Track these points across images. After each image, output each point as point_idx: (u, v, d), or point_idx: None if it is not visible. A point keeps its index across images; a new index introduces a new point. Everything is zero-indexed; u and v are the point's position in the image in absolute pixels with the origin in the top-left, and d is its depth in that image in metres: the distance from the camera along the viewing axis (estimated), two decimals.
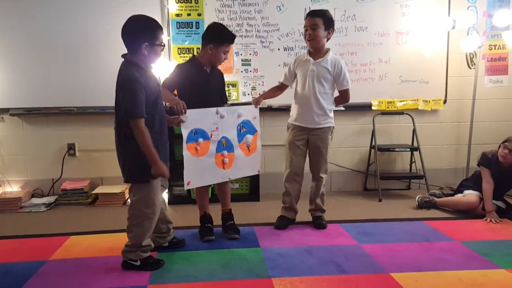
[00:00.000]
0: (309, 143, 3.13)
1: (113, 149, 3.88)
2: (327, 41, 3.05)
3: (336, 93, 3.16)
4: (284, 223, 3.18)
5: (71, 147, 4.03)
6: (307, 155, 3.18)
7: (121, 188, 3.88)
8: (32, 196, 3.96)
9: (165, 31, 3.89)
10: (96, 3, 3.85)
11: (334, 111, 3.17)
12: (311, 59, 3.04)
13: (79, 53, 3.88)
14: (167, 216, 2.72)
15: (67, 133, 4.02)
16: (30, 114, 3.93)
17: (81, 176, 4.03)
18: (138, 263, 2.46)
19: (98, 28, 3.86)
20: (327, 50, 3.06)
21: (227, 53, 2.88)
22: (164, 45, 2.41)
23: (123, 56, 2.39)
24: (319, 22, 2.95)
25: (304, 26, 3.03)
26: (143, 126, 2.26)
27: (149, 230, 2.47)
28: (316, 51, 3.05)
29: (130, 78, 2.25)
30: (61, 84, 3.89)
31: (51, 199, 3.86)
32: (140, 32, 2.28)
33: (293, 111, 3.17)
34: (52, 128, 4.00)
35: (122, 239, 2.74)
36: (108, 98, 3.82)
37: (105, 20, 3.85)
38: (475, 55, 4.11)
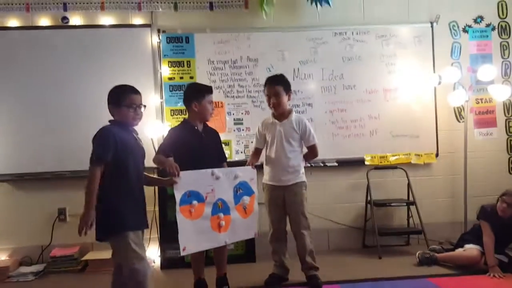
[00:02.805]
0: (285, 200, 3.18)
1: None
2: (288, 100, 3.22)
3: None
4: (273, 280, 3.17)
5: (61, 212, 3.95)
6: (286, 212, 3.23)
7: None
8: (21, 264, 3.82)
9: (158, 94, 3.98)
10: (90, 69, 3.92)
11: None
12: (277, 121, 3.20)
13: (71, 117, 3.89)
14: None
15: (57, 197, 3.94)
16: (20, 180, 3.88)
17: (71, 242, 3.89)
18: None
19: (91, 93, 3.87)
20: (290, 111, 3.25)
21: (212, 104, 2.97)
22: (134, 106, 2.48)
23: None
24: (280, 90, 3.15)
25: (266, 95, 3.20)
26: (96, 175, 2.32)
27: (147, 284, 2.35)
28: (281, 114, 3.22)
29: (101, 130, 2.42)
30: (51, 148, 3.87)
31: (39, 267, 3.72)
32: (109, 96, 2.52)
33: (266, 172, 3.28)
34: (43, 193, 3.93)
35: None
36: None
37: (98, 85, 3.83)
38: (463, 109, 4.19)
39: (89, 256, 3.77)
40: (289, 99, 3.22)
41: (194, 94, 2.92)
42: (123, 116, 2.47)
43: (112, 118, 2.51)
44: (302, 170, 3.23)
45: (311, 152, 3.26)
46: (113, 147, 2.35)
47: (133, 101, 2.49)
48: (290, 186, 3.16)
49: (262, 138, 3.29)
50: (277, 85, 3.15)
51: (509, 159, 4.35)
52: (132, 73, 3.85)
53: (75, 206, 3.93)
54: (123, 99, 2.47)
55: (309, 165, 3.44)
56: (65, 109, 3.91)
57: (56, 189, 3.94)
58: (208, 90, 2.97)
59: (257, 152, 3.33)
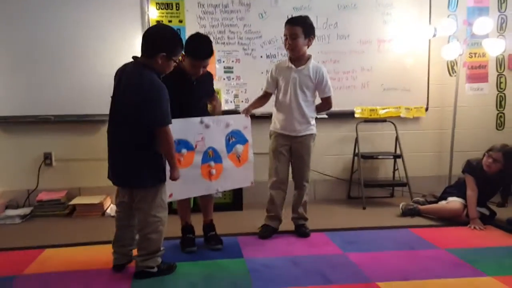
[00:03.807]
0: (292, 150, 3.10)
1: (91, 158, 3.82)
2: (307, 48, 3.01)
3: (318, 101, 3.15)
4: (268, 232, 3.13)
5: (47, 157, 3.90)
6: (290, 162, 3.15)
7: (100, 198, 3.76)
8: (7, 207, 3.80)
9: None
10: (76, 11, 3.73)
11: (317, 118, 3.15)
12: (293, 66, 3.01)
13: (58, 61, 3.75)
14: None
15: (43, 142, 3.88)
16: (5, 122, 3.79)
17: (58, 186, 3.88)
18: (155, 269, 2.42)
19: (77, 35, 3.74)
20: (309, 57, 3.03)
21: (200, 67, 2.69)
22: (177, 62, 2.43)
23: (134, 57, 2.39)
24: (299, 31, 2.91)
25: (284, 34, 2.98)
26: (171, 133, 2.32)
27: (163, 233, 2.46)
28: (298, 58, 3.02)
29: (158, 85, 2.28)
30: (38, 92, 3.75)
31: (26, 210, 3.71)
32: (163, 41, 2.34)
33: (275, 119, 3.14)
34: (28, 137, 3.86)
35: (100, 251, 2.65)
36: (86, 106, 3.80)
37: (84, 28, 3.74)
38: (456, 63, 4.14)
39: (76, 200, 3.77)
40: (309, 45, 2.98)
41: (187, 49, 2.66)
42: (166, 67, 2.38)
43: (134, 55, 2.39)
44: (313, 121, 3.11)
45: (325, 104, 3.14)
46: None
47: (179, 55, 2.42)
48: (300, 137, 3.05)
49: (274, 81, 3.09)
50: (296, 25, 2.90)
51: (497, 115, 4.37)
52: (118, 14, 3.68)
53: (61, 151, 3.92)
54: (178, 53, 2.38)
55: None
56: (48, 51, 3.74)
57: (41, 133, 3.86)
58: (195, 55, 2.66)
59: (265, 96, 3.15)
